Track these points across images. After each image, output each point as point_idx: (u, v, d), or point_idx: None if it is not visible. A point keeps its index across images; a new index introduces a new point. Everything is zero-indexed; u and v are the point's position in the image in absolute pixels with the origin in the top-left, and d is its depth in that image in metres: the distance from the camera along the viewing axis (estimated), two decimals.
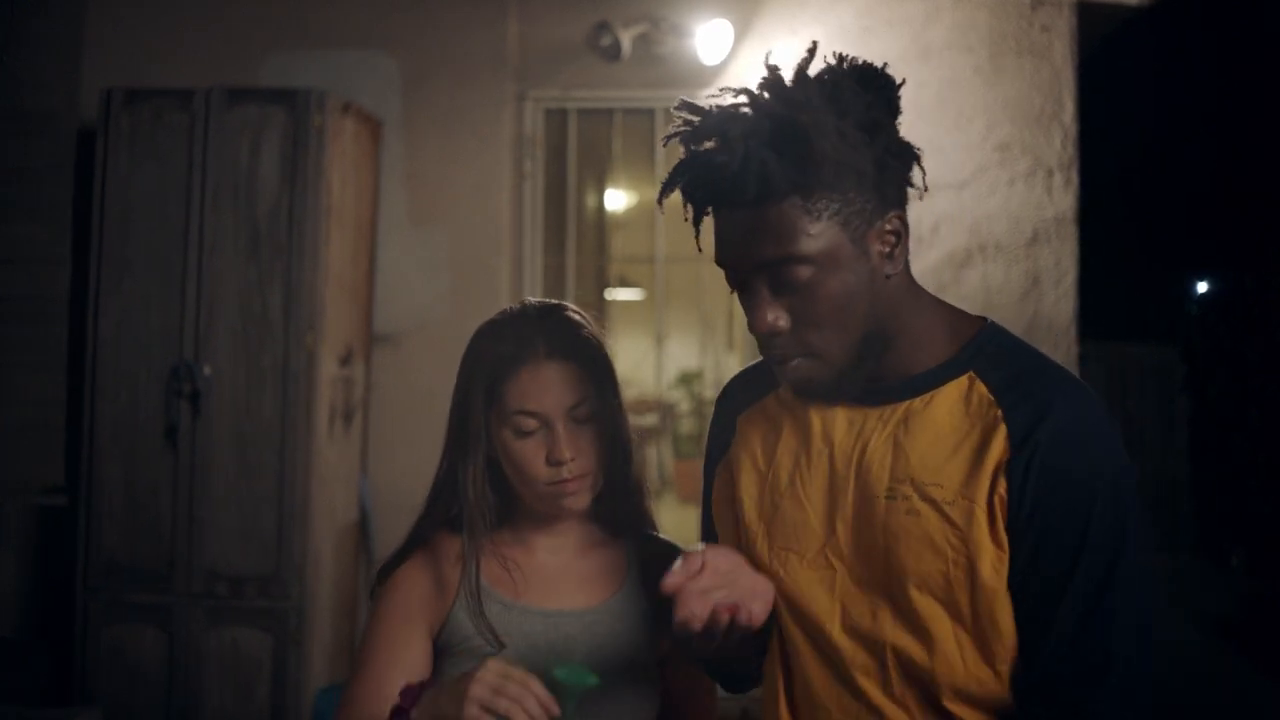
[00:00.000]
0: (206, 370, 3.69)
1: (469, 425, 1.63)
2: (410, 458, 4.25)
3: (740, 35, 4.34)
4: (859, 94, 1.29)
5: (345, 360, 4.00)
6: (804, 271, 1.28)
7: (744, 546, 1.44)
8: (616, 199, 4.80)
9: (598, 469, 1.62)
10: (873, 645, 1.32)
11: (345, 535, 4.04)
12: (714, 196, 1.31)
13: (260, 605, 3.67)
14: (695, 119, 1.32)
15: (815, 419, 1.41)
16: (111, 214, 3.76)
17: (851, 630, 1.34)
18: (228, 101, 3.76)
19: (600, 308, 4.71)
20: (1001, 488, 1.27)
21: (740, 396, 1.55)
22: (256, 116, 3.75)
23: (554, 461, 1.58)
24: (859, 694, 1.33)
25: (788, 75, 1.30)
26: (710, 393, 5.74)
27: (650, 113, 4.49)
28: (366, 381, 4.23)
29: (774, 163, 1.25)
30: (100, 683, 3.69)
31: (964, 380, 1.35)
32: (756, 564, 1.41)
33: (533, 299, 1.70)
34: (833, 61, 1.31)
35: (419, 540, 1.67)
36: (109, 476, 3.72)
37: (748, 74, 5.13)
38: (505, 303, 4.30)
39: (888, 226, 1.32)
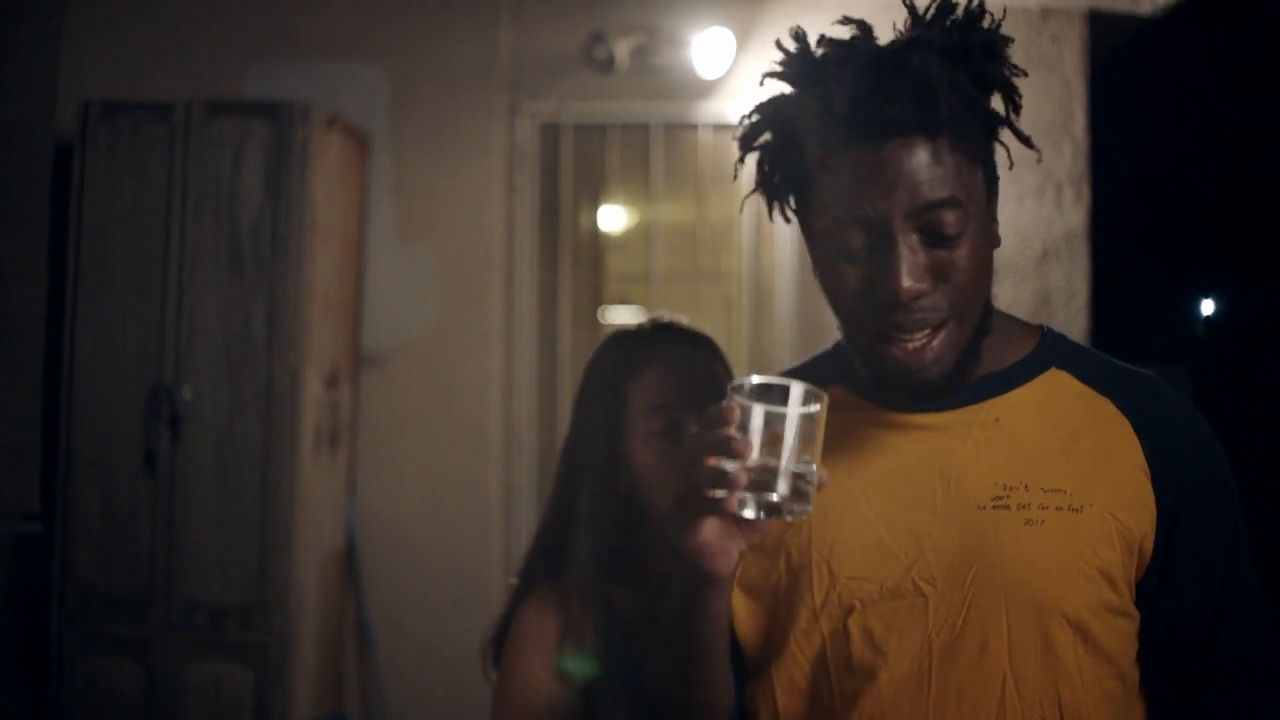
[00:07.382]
0: (186, 394, 3.56)
1: (593, 449, 1.50)
2: (399, 482, 4.13)
3: (740, 45, 4.21)
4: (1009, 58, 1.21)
5: (331, 381, 3.87)
6: (957, 217, 1.15)
7: (785, 586, 1.23)
8: (612, 215, 4.67)
9: None
10: (982, 677, 1.15)
11: (331, 564, 3.90)
12: (875, 115, 1.12)
13: (242, 638, 3.52)
14: (810, 49, 1.20)
15: (865, 428, 1.23)
16: (89, 230, 3.64)
17: (953, 663, 1.15)
18: (209, 114, 3.64)
19: (595, 327, 4.57)
20: (1146, 496, 1.17)
21: None
22: (239, 130, 3.63)
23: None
24: None
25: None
26: None
27: (646, 127, 4.34)
28: (353, 403, 4.10)
29: (965, 81, 1.14)
30: (77, 716, 3.55)
31: (1052, 375, 1.24)
32: (811, 601, 1.21)
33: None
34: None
35: (528, 592, 1.51)
36: (85, 502, 3.59)
37: (748, 85, 4.97)
38: (497, 321, 4.20)
39: (997, 202, 1.25)
